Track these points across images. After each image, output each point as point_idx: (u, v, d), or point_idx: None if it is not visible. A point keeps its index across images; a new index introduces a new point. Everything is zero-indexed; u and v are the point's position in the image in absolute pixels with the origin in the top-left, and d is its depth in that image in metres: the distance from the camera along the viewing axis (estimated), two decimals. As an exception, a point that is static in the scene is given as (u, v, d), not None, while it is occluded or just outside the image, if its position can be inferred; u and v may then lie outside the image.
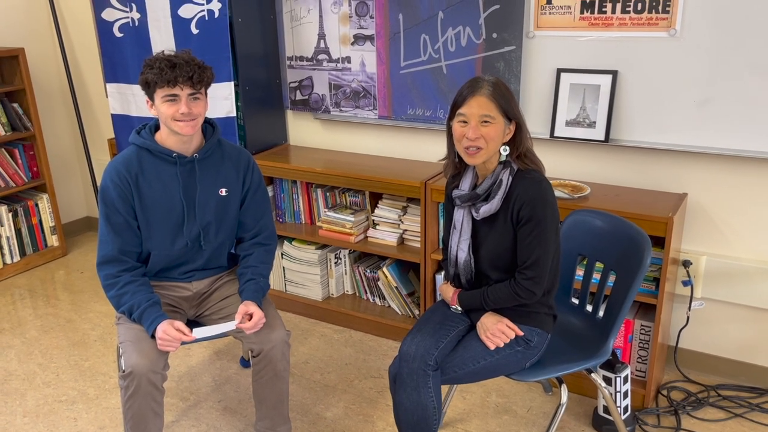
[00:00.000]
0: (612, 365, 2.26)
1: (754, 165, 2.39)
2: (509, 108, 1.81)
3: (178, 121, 1.96)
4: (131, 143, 2.08)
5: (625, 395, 2.29)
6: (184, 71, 1.93)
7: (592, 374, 2.06)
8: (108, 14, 3.17)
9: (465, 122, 1.82)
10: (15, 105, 3.68)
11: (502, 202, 1.86)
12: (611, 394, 2.24)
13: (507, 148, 1.86)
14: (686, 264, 2.51)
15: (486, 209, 1.87)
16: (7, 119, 3.66)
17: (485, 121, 1.79)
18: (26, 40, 3.87)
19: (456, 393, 2.58)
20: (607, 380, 2.26)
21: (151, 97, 2.00)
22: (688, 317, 2.59)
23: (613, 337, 2.00)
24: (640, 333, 2.47)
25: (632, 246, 2.00)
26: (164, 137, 2.06)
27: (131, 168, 2.04)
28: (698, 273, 2.53)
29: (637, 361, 2.51)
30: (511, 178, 1.86)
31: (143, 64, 1.98)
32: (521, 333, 1.90)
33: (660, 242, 2.32)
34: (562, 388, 2.02)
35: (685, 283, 2.51)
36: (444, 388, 2.49)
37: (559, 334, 2.14)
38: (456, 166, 1.98)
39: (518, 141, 1.86)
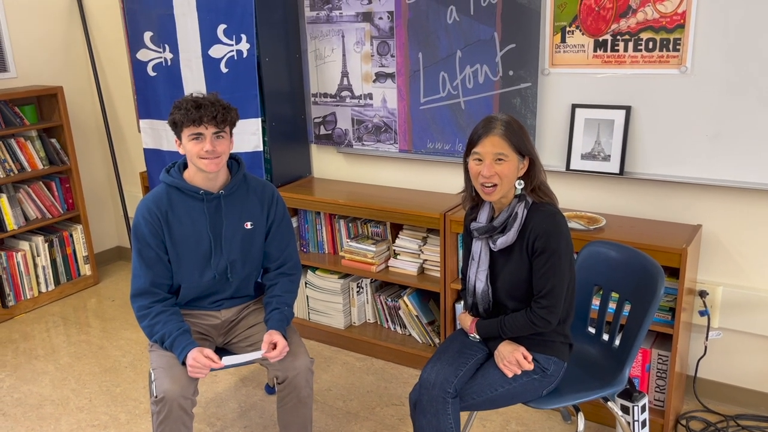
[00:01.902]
0: (629, 394, 2.29)
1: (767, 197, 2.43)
2: (522, 145, 1.90)
3: (203, 158, 2.07)
4: (161, 181, 2.19)
5: (644, 424, 2.31)
6: (208, 111, 2.04)
7: (609, 403, 2.10)
8: (142, 54, 3.34)
9: (480, 160, 1.91)
10: (53, 140, 3.86)
11: (517, 234, 1.93)
12: (629, 423, 2.27)
13: (522, 182, 1.94)
14: (702, 294, 2.55)
15: (502, 241, 1.95)
16: (45, 154, 3.84)
17: (499, 159, 1.88)
18: (65, 79, 4.07)
19: (476, 420, 2.62)
20: (625, 409, 2.28)
21: (179, 136, 2.11)
22: (705, 347, 2.62)
23: (628, 366, 2.04)
24: (658, 362, 2.50)
25: (646, 276, 2.05)
26: (192, 175, 2.17)
27: (161, 205, 2.15)
28: (715, 303, 2.56)
29: (656, 391, 2.54)
30: (526, 211, 1.93)
31: (173, 106, 2.10)
32: (531, 367, 1.95)
33: (675, 273, 2.37)
34: (579, 417, 2.06)
35: (702, 313, 2.54)
36: (464, 416, 2.53)
37: (576, 363, 2.18)
38: (473, 198, 2.06)
39: (532, 175, 1.94)
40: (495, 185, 1.90)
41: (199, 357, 2.01)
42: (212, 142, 2.06)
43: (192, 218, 2.17)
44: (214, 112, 2.05)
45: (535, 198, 1.95)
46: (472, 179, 1.96)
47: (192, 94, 2.11)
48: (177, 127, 2.09)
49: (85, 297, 3.98)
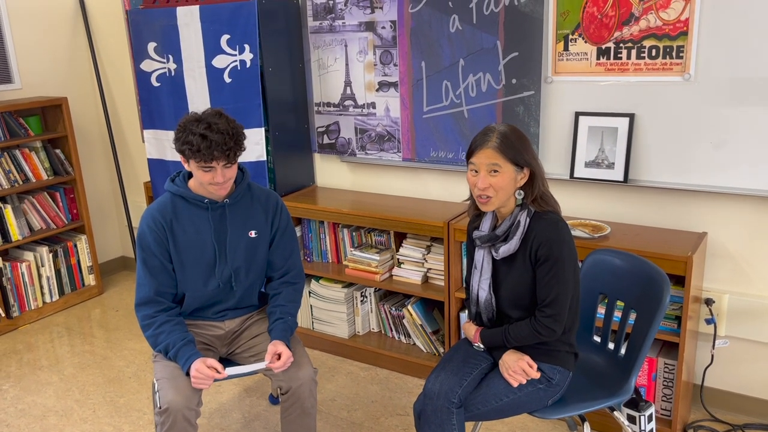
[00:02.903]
0: (636, 403, 2.28)
1: (773, 204, 2.42)
2: (519, 157, 1.88)
3: (213, 184, 2.07)
4: (166, 190, 2.19)
5: (650, 434, 2.29)
6: (220, 149, 1.96)
7: (615, 412, 2.08)
8: (146, 65, 3.36)
9: (476, 171, 1.90)
10: (57, 151, 3.87)
11: (520, 242, 1.92)
12: (635, 432, 2.26)
13: (522, 192, 1.93)
14: (709, 302, 2.53)
15: (505, 249, 1.94)
16: (50, 164, 3.85)
17: (494, 171, 1.87)
18: (69, 90, 4.09)
19: (481, 430, 2.61)
20: (631, 419, 2.27)
21: (186, 159, 2.07)
22: (712, 355, 2.60)
23: (635, 375, 2.03)
24: (664, 371, 2.48)
25: (651, 285, 2.04)
26: (197, 185, 2.16)
27: (166, 214, 2.15)
28: (721, 311, 2.54)
29: (662, 400, 2.52)
30: (528, 220, 1.92)
31: (177, 129, 2.02)
32: (537, 375, 1.94)
33: (681, 281, 2.35)
34: (585, 426, 2.05)
35: (708, 322, 2.52)
36: (468, 426, 2.52)
37: (582, 372, 2.17)
38: (476, 206, 2.06)
39: (533, 186, 1.93)
40: (489, 197, 1.89)
41: (202, 368, 2.00)
42: (223, 174, 2.04)
43: (196, 227, 2.16)
44: (226, 150, 1.98)
45: (537, 207, 1.95)
46: (471, 189, 1.96)
47: (197, 115, 2.02)
48: (185, 155, 2.05)
49: (90, 307, 3.98)
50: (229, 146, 1.99)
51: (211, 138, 1.96)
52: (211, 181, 2.05)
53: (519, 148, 1.88)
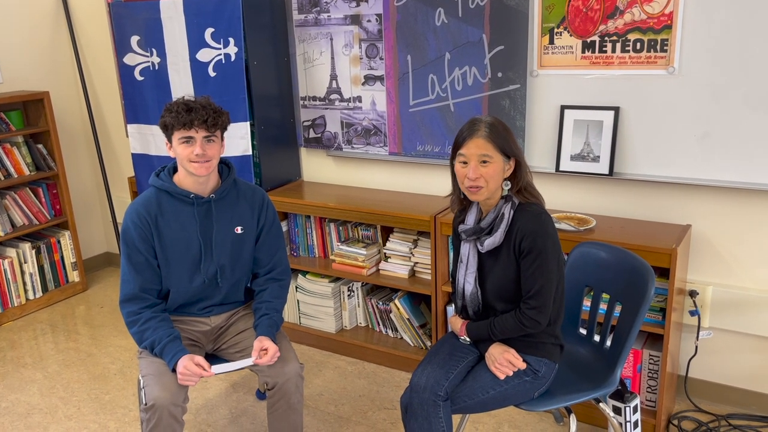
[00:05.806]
0: (621, 395, 2.29)
1: (756, 196, 2.44)
2: (507, 146, 1.90)
3: (193, 162, 2.06)
4: (151, 185, 2.17)
5: (636, 425, 2.31)
6: (199, 115, 2.03)
7: (601, 404, 2.10)
8: (129, 59, 3.32)
9: (465, 163, 1.90)
10: (39, 146, 3.82)
11: (504, 235, 1.93)
12: (621, 423, 2.27)
13: (509, 183, 1.94)
14: (693, 294, 2.55)
15: (490, 242, 1.95)
16: (32, 159, 3.80)
17: (484, 161, 1.88)
18: (51, 84, 4.04)
19: (468, 423, 2.62)
20: (617, 410, 2.28)
21: (169, 139, 2.10)
22: (696, 347, 2.62)
23: (620, 367, 2.04)
24: (649, 363, 2.50)
25: (636, 277, 2.05)
26: (182, 178, 2.15)
27: (151, 209, 2.13)
28: (705, 303, 2.56)
29: (647, 391, 2.54)
30: (512, 212, 1.93)
31: (164, 109, 2.09)
32: (523, 366, 1.95)
33: (666, 273, 2.37)
34: (570, 418, 2.06)
35: (692, 313, 2.55)
36: (456, 418, 2.52)
37: (568, 365, 2.18)
38: (461, 201, 2.06)
39: (519, 176, 1.94)
40: (480, 187, 1.89)
41: (189, 365, 1.99)
42: (202, 146, 2.05)
43: (182, 222, 2.15)
44: (205, 116, 2.04)
45: (522, 199, 1.95)
46: (458, 182, 1.96)
47: (184, 97, 2.10)
48: (168, 130, 2.08)
49: (74, 304, 3.94)
50: (209, 114, 2.05)
51: (192, 106, 2.05)
52: (191, 156, 2.05)
53: (506, 137, 1.90)
